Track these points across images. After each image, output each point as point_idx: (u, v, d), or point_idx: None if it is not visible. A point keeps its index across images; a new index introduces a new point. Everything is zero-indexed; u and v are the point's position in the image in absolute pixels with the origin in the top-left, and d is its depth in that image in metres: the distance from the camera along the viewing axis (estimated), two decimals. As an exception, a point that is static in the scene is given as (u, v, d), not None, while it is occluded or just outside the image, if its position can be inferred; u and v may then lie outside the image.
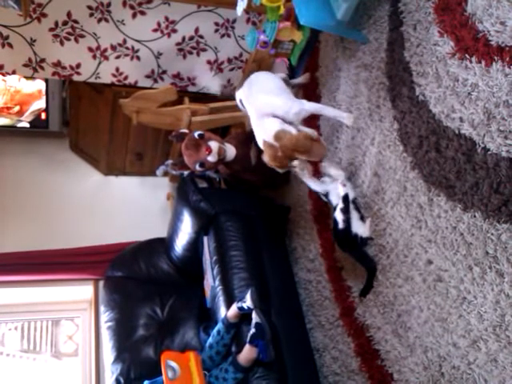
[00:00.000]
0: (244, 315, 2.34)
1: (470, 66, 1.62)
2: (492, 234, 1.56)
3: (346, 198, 2.15)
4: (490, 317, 1.58)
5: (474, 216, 1.63)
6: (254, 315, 2.27)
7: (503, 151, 1.51)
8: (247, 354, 2.22)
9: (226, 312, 2.38)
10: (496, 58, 1.52)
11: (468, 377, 1.68)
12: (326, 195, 2.28)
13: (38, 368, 4.01)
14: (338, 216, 2.16)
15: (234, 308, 2.34)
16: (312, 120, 2.69)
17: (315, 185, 2.31)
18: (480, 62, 1.59)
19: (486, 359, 1.61)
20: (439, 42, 1.77)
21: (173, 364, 2.19)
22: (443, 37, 1.75)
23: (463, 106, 1.66)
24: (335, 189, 2.25)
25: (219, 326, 2.36)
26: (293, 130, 2.15)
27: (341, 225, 2.15)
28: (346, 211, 2.14)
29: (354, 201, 2.25)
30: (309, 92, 2.75)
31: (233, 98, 2.59)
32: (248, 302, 2.28)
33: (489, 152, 1.56)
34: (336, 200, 2.25)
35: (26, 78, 3.34)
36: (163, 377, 2.15)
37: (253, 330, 2.23)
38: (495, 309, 1.56)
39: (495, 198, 1.55)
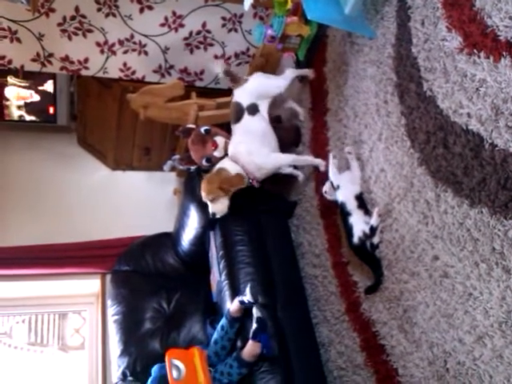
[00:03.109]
0: (248, 309, 2.35)
1: (479, 61, 1.62)
2: (499, 230, 1.56)
3: (374, 229, 2.14)
4: (496, 313, 1.58)
5: (481, 212, 1.62)
6: (254, 310, 2.28)
7: (511, 147, 1.50)
8: (251, 349, 2.23)
9: (229, 307, 2.39)
10: (505, 53, 1.51)
11: (473, 373, 1.68)
12: (337, 187, 2.29)
13: (45, 361, 4.04)
14: (357, 232, 2.17)
15: (236, 302, 2.35)
16: (319, 116, 2.69)
17: (334, 172, 2.34)
18: (488, 58, 1.58)
19: (491, 355, 1.61)
20: (447, 37, 1.76)
21: (178, 363, 2.18)
22: (451, 32, 1.74)
23: (471, 102, 1.65)
24: (345, 187, 2.26)
25: (223, 321, 2.37)
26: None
27: (356, 240, 2.17)
28: (367, 236, 2.14)
29: (361, 196, 2.26)
30: (316, 87, 2.75)
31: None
32: (248, 296, 2.29)
33: (496, 148, 1.55)
34: (342, 197, 2.25)
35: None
36: (168, 377, 2.16)
37: (255, 325, 2.23)
38: (501, 305, 1.56)
39: (502, 194, 1.54)
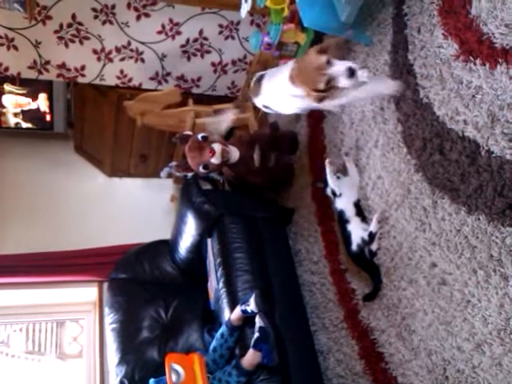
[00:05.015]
0: (248, 318, 2.34)
1: (475, 68, 1.62)
2: (496, 237, 1.55)
3: (373, 235, 2.13)
4: (495, 320, 1.58)
5: (479, 219, 1.62)
6: (257, 319, 2.26)
7: (507, 154, 1.50)
8: (251, 358, 2.22)
9: (230, 315, 2.38)
10: (500, 60, 1.52)
11: (472, 380, 1.67)
12: (336, 195, 2.27)
13: (42, 369, 4.03)
14: (356, 239, 2.16)
15: (237, 311, 2.34)
16: (316, 122, 2.69)
17: (333, 180, 2.28)
18: (484, 65, 1.58)
19: (490, 363, 1.60)
20: (443, 44, 1.76)
21: (177, 367, 2.17)
22: (447, 39, 1.74)
23: (467, 109, 1.65)
24: (345, 195, 2.25)
25: (223, 328, 2.35)
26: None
27: (354, 248, 2.16)
28: (365, 243, 2.14)
29: (358, 203, 2.25)
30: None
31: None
32: (252, 306, 2.27)
33: (493, 155, 1.55)
34: (341, 205, 2.25)
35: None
36: (167, 380, 2.15)
37: (257, 335, 2.22)
38: (500, 312, 1.56)
39: (499, 201, 1.54)
